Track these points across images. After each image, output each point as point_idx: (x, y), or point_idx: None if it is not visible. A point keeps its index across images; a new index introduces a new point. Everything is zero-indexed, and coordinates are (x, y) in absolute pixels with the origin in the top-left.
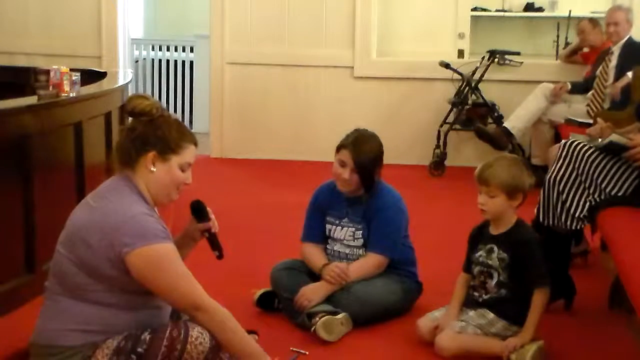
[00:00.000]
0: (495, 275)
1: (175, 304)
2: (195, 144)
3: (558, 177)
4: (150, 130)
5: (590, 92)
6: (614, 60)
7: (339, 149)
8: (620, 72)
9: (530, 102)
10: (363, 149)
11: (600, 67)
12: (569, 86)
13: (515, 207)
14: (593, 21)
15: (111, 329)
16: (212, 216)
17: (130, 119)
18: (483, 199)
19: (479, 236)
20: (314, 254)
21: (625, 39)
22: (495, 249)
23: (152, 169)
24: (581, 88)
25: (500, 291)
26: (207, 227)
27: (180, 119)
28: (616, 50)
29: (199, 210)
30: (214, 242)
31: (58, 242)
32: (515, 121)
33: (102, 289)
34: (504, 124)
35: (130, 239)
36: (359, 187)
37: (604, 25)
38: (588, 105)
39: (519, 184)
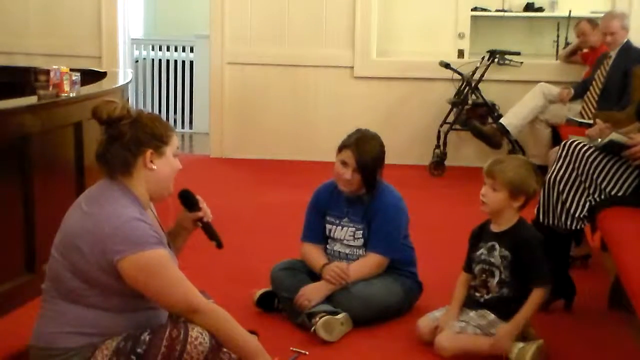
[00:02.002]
0: (497, 273)
1: (171, 309)
2: (173, 130)
3: (558, 177)
4: (139, 130)
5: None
6: (611, 62)
7: (340, 149)
8: (617, 74)
9: (528, 100)
10: (365, 149)
11: (598, 71)
12: (573, 92)
13: (517, 208)
14: (592, 22)
15: (109, 331)
16: (203, 205)
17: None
18: (485, 190)
19: (480, 234)
20: (314, 254)
21: (623, 43)
22: (497, 246)
23: (153, 167)
24: (580, 91)
25: (502, 290)
26: (198, 217)
27: (181, 119)
28: (614, 53)
29: (187, 199)
30: (209, 232)
31: (53, 245)
32: (511, 118)
33: (98, 294)
34: (500, 121)
35: (122, 246)
36: (361, 187)
37: (601, 33)
38: (582, 107)
39: (523, 186)
